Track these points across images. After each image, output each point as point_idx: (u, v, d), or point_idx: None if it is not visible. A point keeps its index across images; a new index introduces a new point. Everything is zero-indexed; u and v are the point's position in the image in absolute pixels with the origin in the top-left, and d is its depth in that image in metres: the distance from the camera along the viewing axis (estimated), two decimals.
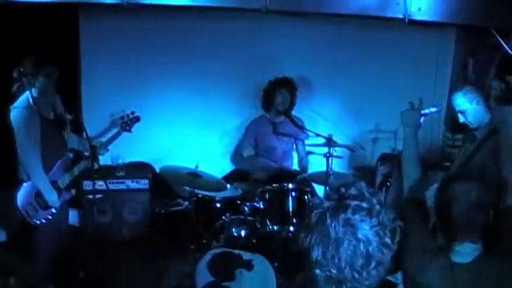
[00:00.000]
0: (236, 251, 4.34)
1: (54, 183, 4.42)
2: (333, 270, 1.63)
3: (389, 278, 4.97)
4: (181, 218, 5.51)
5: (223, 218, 4.81)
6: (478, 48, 5.71)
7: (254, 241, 4.54)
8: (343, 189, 1.69)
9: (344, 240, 1.60)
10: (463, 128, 4.26)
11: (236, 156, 6.18)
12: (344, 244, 1.60)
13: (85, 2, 5.09)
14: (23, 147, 4.20)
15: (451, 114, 6.00)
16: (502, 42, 4.38)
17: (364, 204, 1.64)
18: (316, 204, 1.70)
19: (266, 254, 4.33)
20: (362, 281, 1.64)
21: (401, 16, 4.66)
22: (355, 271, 1.62)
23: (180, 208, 5.56)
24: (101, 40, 5.93)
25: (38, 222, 4.39)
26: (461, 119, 4.11)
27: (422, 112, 4.33)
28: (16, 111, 4.19)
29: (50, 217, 4.42)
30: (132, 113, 5.12)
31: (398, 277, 4.99)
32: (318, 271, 1.65)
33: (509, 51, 4.45)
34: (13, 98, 4.26)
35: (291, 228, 4.66)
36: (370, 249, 1.61)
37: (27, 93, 4.22)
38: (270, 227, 4.67)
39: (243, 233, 4.57)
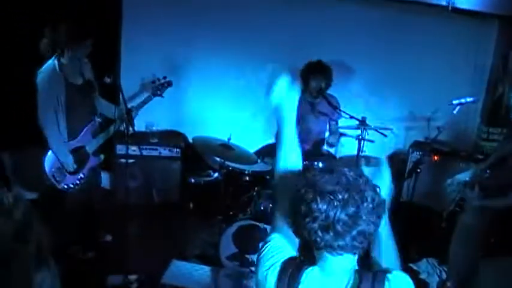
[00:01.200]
0: (262, 225, 4.41)
1: (81, 148, 4.51)
2: (348, 207, 1.66)
3: (412, 265, 5.03)
4: (210, 188, 5.57)
5: (252, 191, 4.87)
6: None
7: None
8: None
9: (351, 181, 1.71)
10: (500, 122, 4.19)
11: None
12: (353, 183, 1.71)
13: None
14: (42, 110, 4.26)
15: (488, 106, 5.98)
16: None
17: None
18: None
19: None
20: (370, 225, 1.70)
21: (445, 3, 4.62)
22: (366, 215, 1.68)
23: (210, 179, 5.62)
24: (143, 4, 5.95)
25: (66, 187, 4.49)
26: None
27: (459, 101, 4.35)
28: (41, 75, 4.24)
29: (78, 182, 4.53)
30: (164, 77, 5.00)
31: (421, 265, 5.05)
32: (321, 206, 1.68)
33: None
34: (43, 60, 4.30)
35: None
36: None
37: (54, 59, 4.27)
38: None
39: (269, 207, 4.60)
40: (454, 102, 4.35)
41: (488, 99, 6.00)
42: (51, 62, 4.27)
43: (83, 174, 4.56)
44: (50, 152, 4.41)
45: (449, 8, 4.64)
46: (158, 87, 4.94)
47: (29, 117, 4.30)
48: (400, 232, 1.98)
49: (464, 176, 4.42)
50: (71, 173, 4.49)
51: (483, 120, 6.07)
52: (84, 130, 4.52)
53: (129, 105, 4.55)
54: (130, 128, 4.47)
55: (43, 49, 4.28)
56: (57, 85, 4.26)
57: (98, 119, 4.63)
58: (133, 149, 5.08)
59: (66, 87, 4.31)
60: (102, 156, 4.69)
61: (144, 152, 5.61)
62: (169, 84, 5.00)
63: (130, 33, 6.01)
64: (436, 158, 5.54)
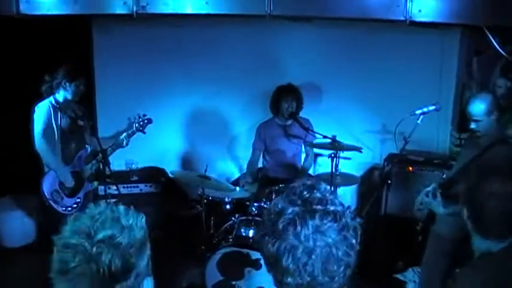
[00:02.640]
0: (244, 250, 4.45)
1: (76, 173, 4.79)
2: (306, 278, 1.57)
3: (398, 276, 5.08)
4: (192, 220, 5.63)
5: (233, 218, 4.94)
6: (483, 47, 5.75)
7: None
8: (306, 194, 1.64)
9: (316, 247, 1.56)
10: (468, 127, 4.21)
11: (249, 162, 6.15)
12: (316, 251, 1.56)
13: (97, 13, 5.24)
14: (38, 137, 4.57)
15: (458, 113, 6.09)
16: (493, 41, 4.42)
17: (330, 207, 1.60)
18: (279, 210, 1.63)
19: None
20: (333, 285, 1.60)
21: (402, 18, 4.72)
22: (328, 276, 1.58)
23: (191, 211, 5.68)
24: (113, 48, 6.15)
25: (65, 209, 4.66)
26: (473, 125, 4.01)
27: (422, 110, 4.42)
28: (39, 109, 4.61)
29: (75, 205, 4.73)
30: (144, 115, 5.16)
31: (407, 275, 5.10)
32: (289, 279, 1.58)
33: (499, 49, 4.48)
34: (39, 98, 4.67)
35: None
36: (340, 253, 1.58)
37: (52, 96, 4.66)
38: None
39: (251, 232, 4.67)
40: (417, 112, 4.42)
41: (457, 105, 6.11)
42: (49, 99, 4.68)
43: (79, 198, 4.79)
44: (47, 174, 4.66)
45: (407, 22, 4.74)
46: (140, 123, 5.09)
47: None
48: (383, 244, 2.02)
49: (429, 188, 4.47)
50: (68, 196, 4.72)
51: (454, 126, 6.18)
52: (77, 156, 4.82)
53: (119, 138, 4.92)
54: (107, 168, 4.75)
55: (44, 91, 4.68)
56: (52, 115, 4.62)
57: (88, 147, 4.91)
58: (114, 188, 5.15)
59: (61, 119, 4.67)
60: (95, 183, 4.99)
61: (126, 190, 5.74)
62: (149, 121, 5.14)
63: (103, 77, 6.20)
64: (410, 168, 5.61)
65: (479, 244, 2.45)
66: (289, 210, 1.60)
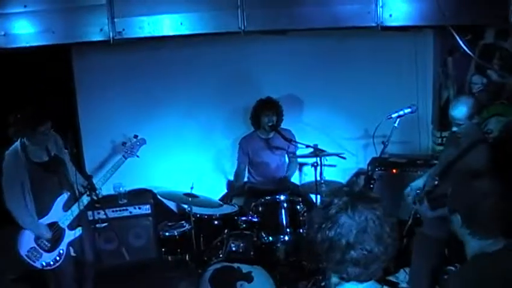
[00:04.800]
0: (235, 265, 4.49)
1: (54, 224, 4.52)
2: (364, 250, 1.82)
3: (390, 278, 5.12)
4: (184, 238, 5.65)
5: (222, 234, 4.99)
6: (456, 46, 5.83)
7: (252, 253, 4.70)
8: (345, 188, 1.95)
9: (368, 223, 1.83)
10: (450, 126, 4.27)
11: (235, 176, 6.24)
12: (370, 225, 1.83)
13: (75, 42, 5.28)
14: (8, 193, 4.34)
15: (437, 112, 6.17)
16: (459, 39, 4.49)
17: (372, 194, 1.93)
18: (328, 202, 1.91)
19: (264, 265, 4.48)
20: (386, 256, 1.87)
21: (374, 24, 4.79)
22: (382, 247, 1.84)
23: (182, 229, 5.71)
24: (94, 73, 6.18)
25: (44, 265, 4.48)
26: (455, 128, 4.10)
27: (398, 114, 4.50)
28: (6, 158, 4.38)
29: (58, 258, 4.52)
30: (135, 136, 5.07)
31: (399, 276, 5.14)
32: (352, 253, 1.83)
33: (465, 48, 4.56)
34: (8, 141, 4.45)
35: (286, 238, 4.83)
36: (387, 228, 1.85)
37: (18, 142, 4.40)
38: (266, 238, 4.84)
39: (241, 246, 4.72)
40: (393, 115, 4.50)
41: (436, 105, 6.20)
42: (15, 145, 4.41)
43: (62, 250, 4.55)
44: (22, 233, 4.42)
45: (379, 27, 4.82)
46: (131, 148, 4.99)
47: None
48: None
49: (419, 183, 4.55)
50: (47, 251, 4.48)
51: (435, 125, 6.26)
52: (54, 205, 4.53)
53: (101, 171, 4.86)
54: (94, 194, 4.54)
55: (11, 135, 4.41)
56: (20, 166, 4.35)
57: (68, 193, 4.60)
58: (103, 213, 5.12)
59: (30, 167, 4.40)
60: (79, 230, 4.66)
61: (115, 214, 5.75)
62: (143, 142, 5.08)
63: (85, 102, 6.25)
64: (394, 171, 5.67)
65: (474, 246, 2.52)
66: (337, 200, 1.89)
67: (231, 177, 6.31)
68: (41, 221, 4.48)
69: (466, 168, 3.89)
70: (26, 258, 4.44)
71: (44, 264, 4.48)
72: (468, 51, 4.68)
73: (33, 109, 4.43)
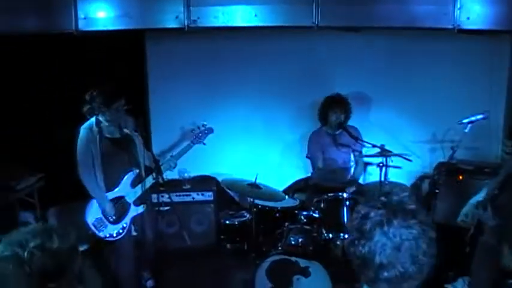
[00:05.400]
0: (293, 258, 4.50)
1: (121, 198, 4.70)
2: (399, 270, 1.74)
3: (449, 286, 5.04)
4: (243, 228, 5.73)
5: (282, 227, 5.01)
6: None
7: (311, 249, 4.70)
8: (384, 199, 1.85)
9: (403, 242, 1.74)
10: None
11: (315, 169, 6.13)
12: (405, 245, 1.74)
13: (150, 28, 5.41)
14: (81, 164, 4.56)
15: (509, 121, 6.01)
16: None
17: (408, 207, 1.81)
18: (363, 215, 1.82)
19: (322, 261, 4.47)
20: (422, 275, 1.79)
21: (450, 26, 4.72)
22: (417, 267, 1.76)
23: (243, 219, 5.78)
24: (166, 60, 6.32)
25: (108, 236, 4.68)
26: None
27: (469, 119, 4.42)
28: (81, 132, 4.58)
29: (121, 231, 4.70)
30: (204, 125, 5.15)
31: (457, 285, 5.05)
32: (385, 274, 1.75)
33: None
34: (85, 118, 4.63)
35: (346, 236, 4.82)
36: (424, 245, 1.76)
37: (94, 118, 4.59)
38: (326, 235, 4.84)
39: (300, 241, 4.73)
40: (464, 121, 4.42)
41: (509, 113, 6.03)
42: (91, 120, 4.60)
43: (126, 224, 4.72)
44: (91, 202, 4.64)
45: (455, 30, 4.74)
46: (198, 135, 5.11)
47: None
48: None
49: (477, 198, 4.45)
50: (112, 223, 4.67)
51: (506, 134, 6.10)
52: (123, 181, 4.71)
53: (171, 155, 4.96)
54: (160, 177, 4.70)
55: (85, 112, 4.60)
56: (92, 140, 4.55)
57: (136, 170, 4.76)
58: (167, 197, 5.23)
59: (102, 142, 4.59)
60: (143, 207, 4.81)
61: (178, 199, 5.87)
62: (210, 131, 5.17)
63: (156, 89, 6.42)
64: (460, 177, 5.56)
65: None
66: (373, 214, 1.79)
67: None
68: (109, 193, 4.68)
69: None
70: (92, 226, 4.64)
71: (108, 235, 4.68)
72: None
73: (108, 86, 4.60)
